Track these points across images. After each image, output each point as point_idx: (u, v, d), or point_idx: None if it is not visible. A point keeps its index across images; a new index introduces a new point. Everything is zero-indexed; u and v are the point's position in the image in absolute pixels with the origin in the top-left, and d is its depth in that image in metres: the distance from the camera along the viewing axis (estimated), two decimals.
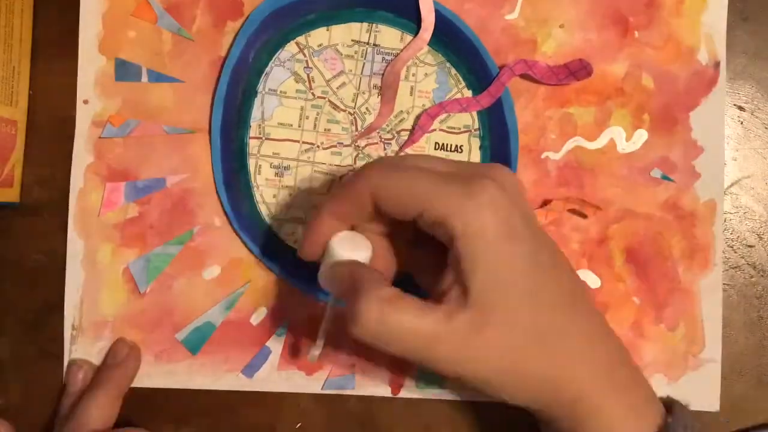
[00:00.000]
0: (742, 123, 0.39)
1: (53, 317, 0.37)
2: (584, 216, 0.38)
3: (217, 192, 0.37)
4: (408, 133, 0.38)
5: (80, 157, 0.37)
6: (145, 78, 0.37)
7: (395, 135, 0.38)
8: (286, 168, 0.38)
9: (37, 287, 0.37)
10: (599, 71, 0.38)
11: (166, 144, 0.38)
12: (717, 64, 0.39)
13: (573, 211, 0.38)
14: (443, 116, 0.38)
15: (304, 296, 0.37)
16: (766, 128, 0.40)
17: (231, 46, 0.37)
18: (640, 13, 0.38)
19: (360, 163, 0.38)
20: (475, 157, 0.38)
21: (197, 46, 0.38)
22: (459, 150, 0.38)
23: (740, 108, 0.39)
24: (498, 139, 0.38)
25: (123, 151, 0.37)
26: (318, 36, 0.38)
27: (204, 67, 0.38)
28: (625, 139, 0.39)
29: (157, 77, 0.38)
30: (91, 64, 0.37)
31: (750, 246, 0.39)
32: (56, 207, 0.37)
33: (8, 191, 0.36)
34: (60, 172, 0.37)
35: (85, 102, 0.37)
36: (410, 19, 0.38)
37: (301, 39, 0.38)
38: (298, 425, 0.38)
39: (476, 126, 0.38)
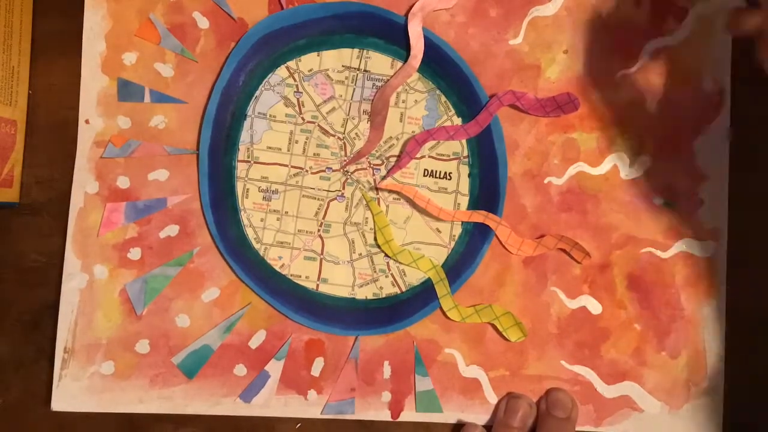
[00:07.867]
0: None
1: (52, 317, 0.37)
2: (576, 260, 0.38)
3: (203, 213, 0.37)
4: (396, 158, 0.38)
5: (81, 177, 0.37)
6: (147, 98, 0.37)
7: (384, 161, 0.38)
8: (274, 192, 0.38)
9: (36, 287, 0.37)
10: (602, 97, 0.38)
11: (167, 164, 0.37)
12: (721, 92, 0.39)
13: (563, 251, 0.38)
14: (433, 143, 0.38)
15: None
16: None
17: (221, 68, 0.37)
18: (644, 40, 0.38)
19: (348, 189, 0.38)
20: (464, 184, 0.38)
21: (201, 67, 0.38)
22: (448, 177, 0.38)
23: None
24: (487, 167, 0.38)
25: (124, 172, 0.37)
26: (309, 61, 0.38)
27: (207, 88, 0.37)
28: (629, 165, 0.38)
29: (159, 98, 0.37)
30: (93, 83, 0.37)
31: None
32: (55, 207, 0.37)
33: (7, 191, 0.36)
34: (59, 172, 0.37)
35: (87, 122, 0.37)
36: (400, 46, 0.38)
37: (291, 63, 0.38)
38: (298, 425, 0.37)
39: (465, 153, 0.38)
